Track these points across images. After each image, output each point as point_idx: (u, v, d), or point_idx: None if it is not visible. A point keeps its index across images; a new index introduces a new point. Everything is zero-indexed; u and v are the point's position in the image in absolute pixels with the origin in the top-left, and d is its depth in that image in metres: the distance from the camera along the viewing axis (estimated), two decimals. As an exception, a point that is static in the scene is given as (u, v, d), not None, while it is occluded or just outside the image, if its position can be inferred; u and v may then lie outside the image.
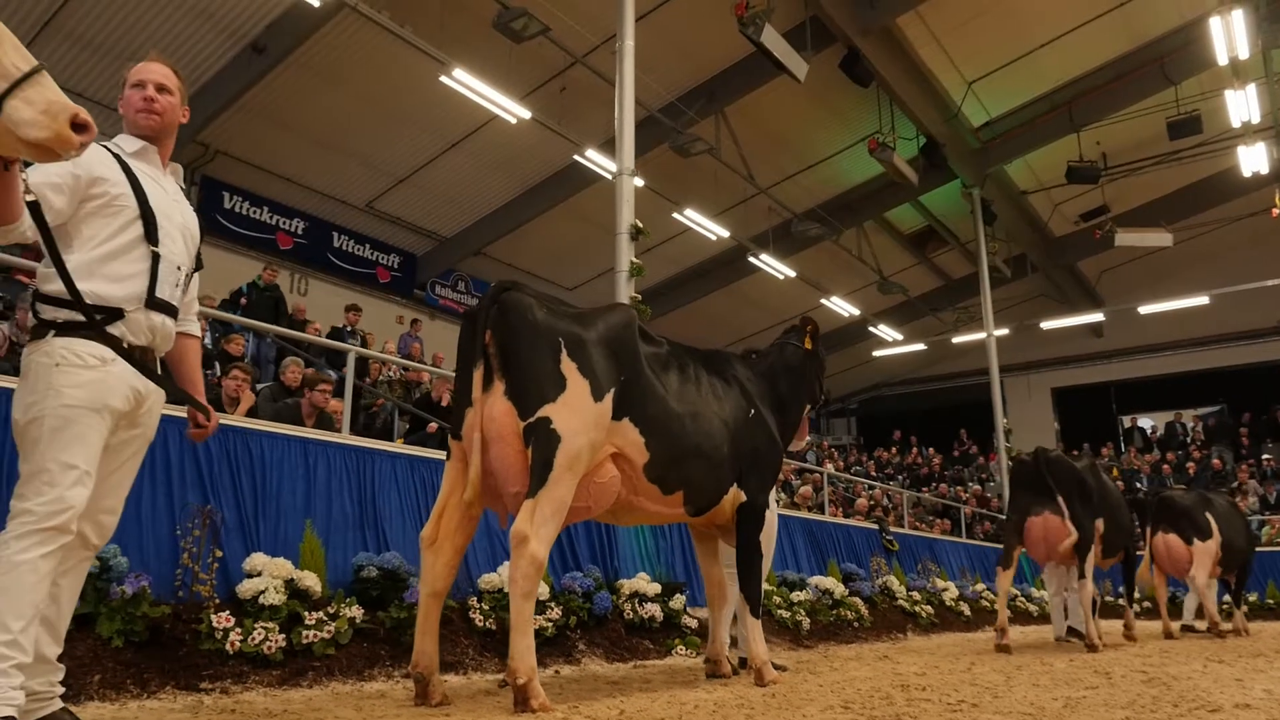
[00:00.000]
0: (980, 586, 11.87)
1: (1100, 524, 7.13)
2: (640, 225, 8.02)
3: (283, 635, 3.93)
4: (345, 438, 5.36)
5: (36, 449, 2.37)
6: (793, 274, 17.54)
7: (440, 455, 5.67)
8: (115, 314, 2.51)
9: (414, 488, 5.36)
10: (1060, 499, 6.76)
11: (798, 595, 7.85)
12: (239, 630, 3.81)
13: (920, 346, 22.71)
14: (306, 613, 4.10)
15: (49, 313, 2.48)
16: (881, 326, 21.33)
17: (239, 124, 13.46)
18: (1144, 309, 20.40)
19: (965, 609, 10.72)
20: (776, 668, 4.92)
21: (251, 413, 6.52)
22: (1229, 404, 22.05)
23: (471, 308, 3.63)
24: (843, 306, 19.52)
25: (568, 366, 3.45)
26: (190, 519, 4.07)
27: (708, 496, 4.06)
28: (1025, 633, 10.20)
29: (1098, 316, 22.04)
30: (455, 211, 16.69)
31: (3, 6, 11.03)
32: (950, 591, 10.72)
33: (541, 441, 3.30)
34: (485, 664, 4.65)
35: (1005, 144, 16.87)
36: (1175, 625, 9.16)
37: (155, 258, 2.62)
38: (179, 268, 2.71)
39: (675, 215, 15.17)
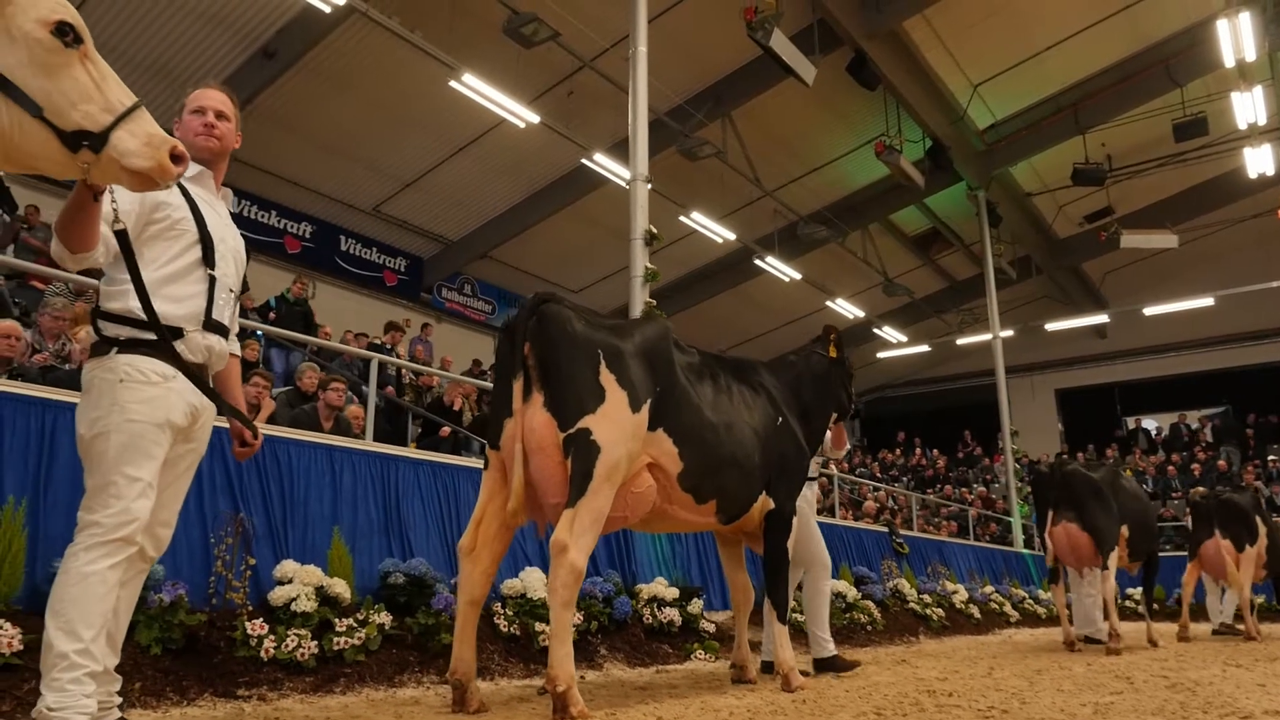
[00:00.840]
0: (989, 589, 11.89)
1: (1125, 530, 7.26)
2: (654, 230, 8.05)
3: (314, 642, 3.96)
4: (369, 445, 5.39)
5: (103, 462, 2.43)
6: (798, 276, 17.59)
7: (461, 461, 5.71)
8: (176, 333, 2.58)
9: (436, 494, 5.39)
10: (1079, 509, 6.88)
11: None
12: (272, 637, 3.84)
13: (924, 348, 22.76)
14: (337, 619, 4.13)
15: (112, 329, 2.55)
16: (886, 328, 21.37)
17: (248, 128, 13.23)
18: (1149, 310, 20.42)
19: (975, 611, 10.74)
20: (845, 665, 5.09)
21: (270, 419, 6.57)
22: (1234, 405, 22.08)
23: (510, 320, 3.66)
24: (847, 308, 19.58)
25: (606, 378, 3.48)
26: (223, 527, 4.10)
27: (739, 505, 4.12)
28: (1036, 635, 10.24)
29: (1102, 318, 22.08)
30: (462, 215, 16.74)
31: (14, 12, 11.09)
32: (960, 594, 10.75)
33: (581, 452, 3.34)
34: (511, 669, 4.69)
35: (1011, 146, 16.92)
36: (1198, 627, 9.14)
37: (212, 280, 2.70)
38: (230, 290, 2.79)
39: (682, 218, 15.20)
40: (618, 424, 3.43)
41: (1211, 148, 16.55)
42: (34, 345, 6.24)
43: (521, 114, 12.13)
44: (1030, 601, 12.73)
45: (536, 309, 3.51)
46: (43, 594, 3.46)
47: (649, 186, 13.37)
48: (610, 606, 5.71)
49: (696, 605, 6.38)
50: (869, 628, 8.35)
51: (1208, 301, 19.49)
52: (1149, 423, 23.58)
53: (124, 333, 2.53)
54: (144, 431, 2.47)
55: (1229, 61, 13.03)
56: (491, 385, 3.97)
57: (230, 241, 2.83)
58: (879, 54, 13.52)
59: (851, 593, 8.53)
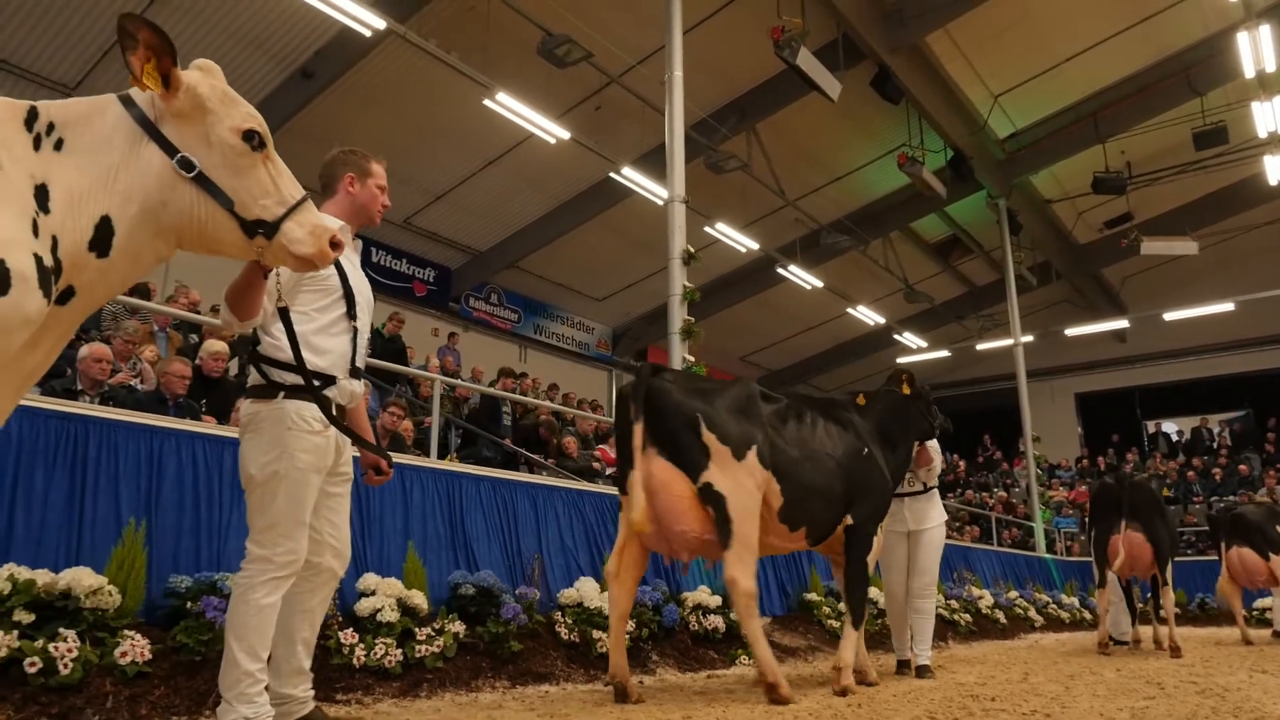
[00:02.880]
0: (1014, 594, 12.10)
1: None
2: (692, 250, 8.32)
3: (399, 650, 4.26)
4: (436, 462, 5.70)
5: (274, 504, 2.79)
6: (820, 284, 17.82)
7: (519, 477, 6.02)
8: (330, 380, 2.91)
9: (496, 509, 5.68)
10: (1141, 519, 7.37)
11: (844, 605, 8.12)
12: (362, 646, 4.14)
13: (944, 353, 22.94)
14: (417, 629, 4.43)
15: (276, 375, 2.88)
16: (906, 334, 21.57)
17: (285, 146, 13.70)
18: (1169, 315, 20.52)
19: (1001, 616, 10.96)
20: (924, 669, 5.61)
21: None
22: (1255, 409, 22.14)
23: (624, 389, 4.44)
24: (868, 315, 19.79)
25: (709, 437, 4.19)
26: (314, 543, 4.40)
27: (825, 528, 4.73)
28: (1062, 640, 10.45)
29: (1122, 323, 22.20)
30: (490, 226, 17.06)
31: (69, 35, 11.50)
32: (986, 600, 10.96)
33: (714, 503, 4.08)
34: (573, 674, 4.98)
35: (1031, 155, 17.10)
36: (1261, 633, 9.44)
37: (355, 332, 3.03)
38: (366, 337, 3.11)
39: (706, 229, 15.47)
40: (730, 472, 4.14)
41: (1231, 154, 16.67)
42: (109, 366, 6.58)
43: (553, 130, 12.44)
44: (1054, 606, 12.93)
45: (645, 382, 4.27)
46: (159, 608, 3.81)
47: (685, 207, 13.77)
48: (659, 614, 6.00)
49: (735, 614, 6.64)
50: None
51: (1228, 306, 19.59)
52: (1169, 427, 23.67)
53: (288, 379, 2.85)
54: (308, 479, 2.83)
55: (1249, 72, 13.21)
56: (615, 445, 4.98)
57: (365, 293, 3.17)
58: (901, 67, 13.76)
59: (882, 599, 8.76)
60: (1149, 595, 8.69)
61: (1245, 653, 7.78)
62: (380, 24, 10.40)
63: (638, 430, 4.17)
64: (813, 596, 8.10)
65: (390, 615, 4.34)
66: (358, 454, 3.27)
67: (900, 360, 23.47)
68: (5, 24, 11.22)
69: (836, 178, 17.17)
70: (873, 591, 8.79)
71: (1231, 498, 17.92)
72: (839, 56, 12.98)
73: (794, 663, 6.60)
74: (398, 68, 12.81)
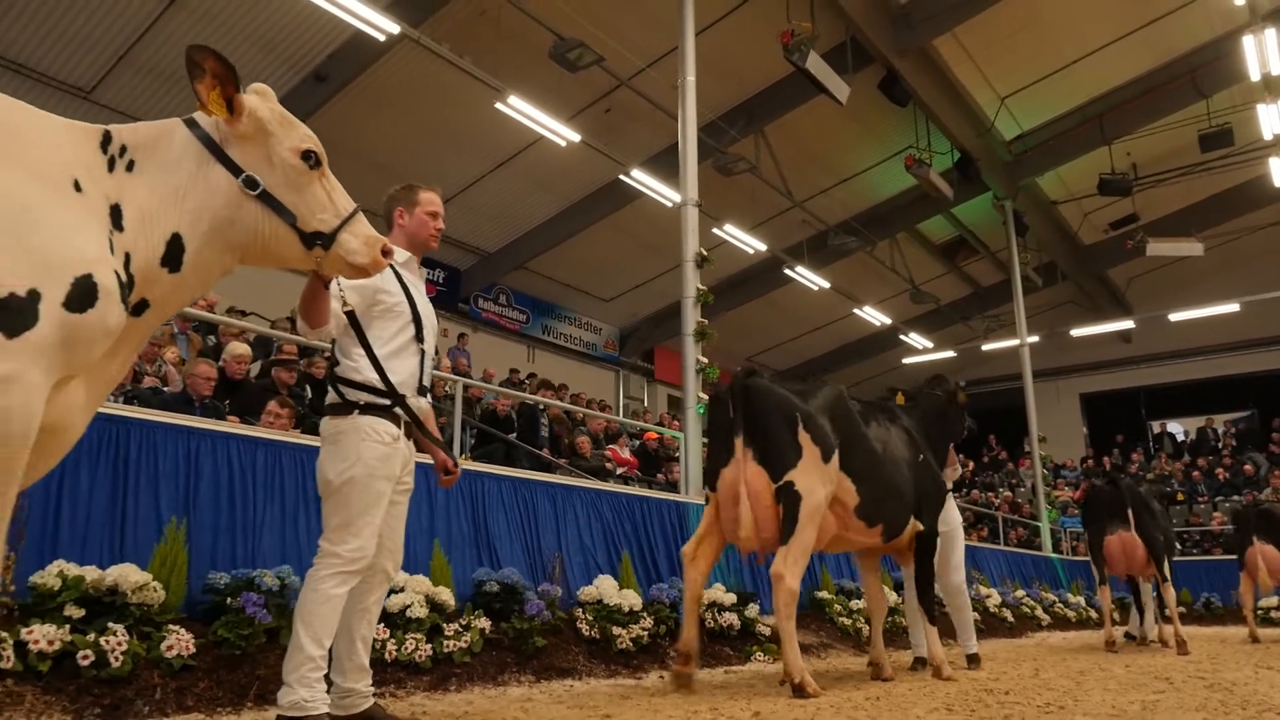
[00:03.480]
0: (1020, 593, 12.19)
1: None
2: (705, 253, 8.43)
3: (429, 645, 4.38)
4: (460, 462, 5.81)
5: (348, 506, 3.02)
6: (826, 285, 17.93)
7: (539, 477, 6.14)
8: (400, 399, 3.12)
9: (518, 508, 5.80)
10: (1132, 520, 7.67)
11: (856, 604, 8.24)
12: (393, 641, 4.26)
13: (950, 354, 23.03)
14: (445, 624, 4.55)
15: (351, 394, 3.14)
16: (912, 334, 21.66)
17: (297, 148, 13.99)
18: (1174, 316, 20.60)
19: (1008, 615, 11.05)
20: (975, 658, 6.10)
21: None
22: (1259, 409, 22.22)
23: (721, 390, 4.73)
24: (874, 316, 19.89)
25: (803, 437, 4.44)
26: (346, 541, 4.52)
27: (898, 528, 5.04)
28: (1068, 638, 10.55)
29: (1128, 324, 22.28)
30: (499, 227, 17.19)
31: (84, 40, 11.63)
32: (993, 598, 11.06)
33: (788, 500, 4.33)
34: (595, 669, 5.09)
35: (1037, 157, 17.19)
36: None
37: (422, 354, 3.30)
38: (431, 358, 3.35)
39: (714, 230, 15.58)
40: (814, 474, 4.40)
41: (1236, 156, 16.75)
42: (134, 368, 6.72)
43: (564, 134, 12.55)
44: (1060, 605, 13.02)
45: (744, 383, 4.52)
46: (199, 603, 3.93)
47: (698, 210, 13.87)
48: (676, 611, 6.10)
49: (753, 610, 6.77)
50: (908, 632, 8.69)
51: (1233, 307, 19.67)
52: (1174, 427, 23.74)
53: (362, 398, 3.11)
54: (378, 485, 3.07)
55: (1254, 75, 13.29)
56: (707, 441, 5.30)
57: (430, 317, 3.39)
58: (909, 70, 13.85)
59: (893, 597, 8.87)
60: (1155, 594, 8.86)
61: (1251, 650, 7.88)
62: (394, 29, 10.51)
63: (735, 433, 4.48)
64: (824, 595, 8.21)
65: (419, 611, 4.46)
66: (429, 460, 3.50)
67: (906, 361, 23.62)
68: (22, 28, 11.35)
69: (844, 179, 17.27)
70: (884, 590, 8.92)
71: (1236, 498, 18.00)
72: (847, 59, 13.09)
73: (808, 659, 6.70)
74: (410, 71, 12.93)
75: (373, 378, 3.05)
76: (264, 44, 12.24)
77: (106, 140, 2.16)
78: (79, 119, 2.29)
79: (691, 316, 8.19)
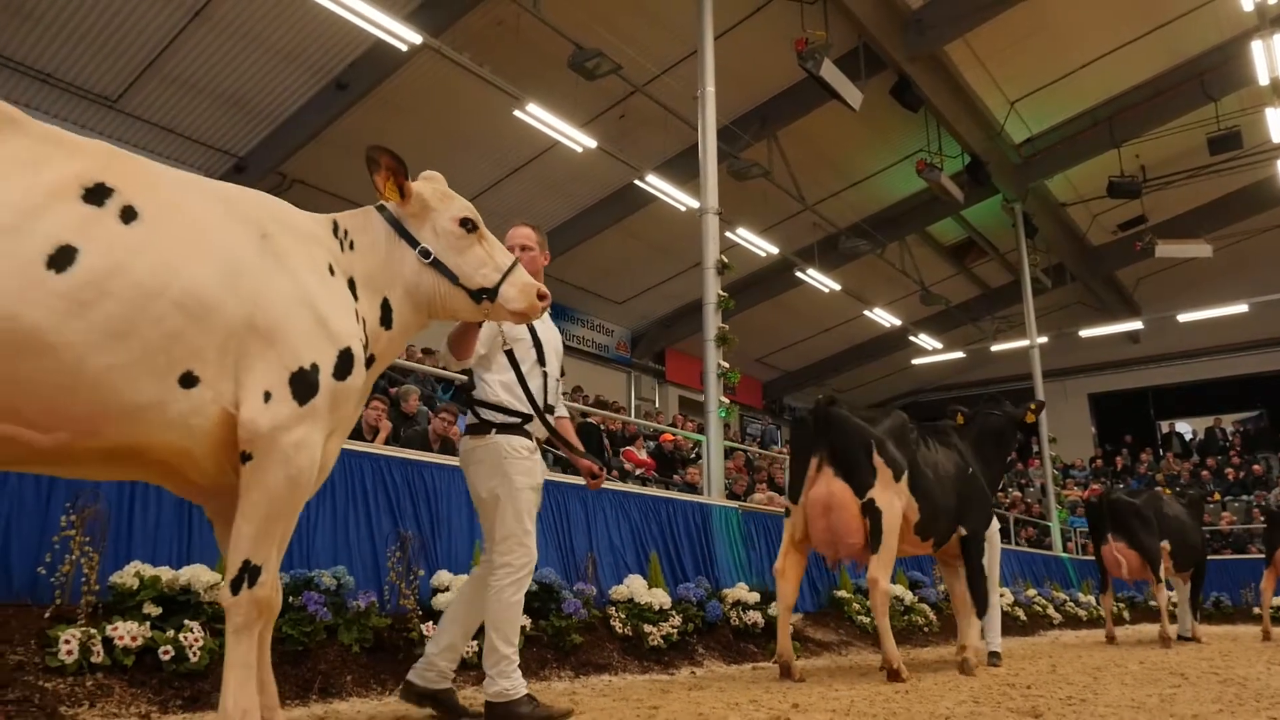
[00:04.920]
0: (1032, 592, 12.36)
1: (1166, 544, 8.49)
2: (726, 260, 8.62)
3: (474, 641, 4.57)
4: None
5: (505, 520, 3.39)
6: (838, 287, 18.10)
7: (570, 480, 6.34)
8: (528, 418, 3.50)
9: (550, 510, 5.99)
10: (1122, 531, 8.36)
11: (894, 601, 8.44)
12: (442, 637, 4.45)
13: (959, 354, 23.18)
14: (488, 622, 4.74)
15: (487, 414, 3.51)
16: (922, 335, 21.82)
17: (317, 154, 14.22)
18: (1182, 317, 20.73)
19: (1021, 614, 11.23)
20: (996, 655, 6.42)
21: (385, 440, 7.24)
22: (1268, 409, 22.33)
23: (803, 416, 5.47)
24: (884, 317, 20.05)
25: (877, 460, 5.09)
26: (395, 543, 4.73)
27: (943, 538, 5.72)
28: (1080, 636, 10.72)
29: (1136, 324, 22.41)
30: (513, 231, 17.37)
31: (110, 50, 11.86)
32: (1006, 597, 11.22)
33: (872, 515, 5.00)
34: (629, 665, 5.29)
35: (1046, 159, 17.35)
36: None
37: (545, 376, 3.62)
38: (556, 379, 3.72)
39: (727, 234, 15.75)
40: (889, 491, 5.06)
41: (1245, 158, 16.88)
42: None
43: (581, 140, 12.75)
44: (1071, 604, 13.19)
45: (824, 411, 5.19)
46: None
47: (692, 203, 14.02)
48: (703, 610, 6.31)
49: (775, 608, 6.94)
50: (925, 629, 8.89)
51: (1241, 308, 19.79)
52: (1182, 426, 23.84)
53: (498, 418, 3.48)
54: (525, 495, 3.43)
55: (1263, 80, 13.43)
56: (789, 460, 5.83)
57: (553, 341, 3.74)
58: (920, 75, 14.02)
59: (908, 596, 9.07)
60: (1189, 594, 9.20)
61: (1262, 647, 8.05)
62: (416, 39, 10.72)
63: (816, 454, 5.13)
64: (843, 594, 8.40)
65: (465, 609, 4.65)
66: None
67: (915, 361, 23.81)
68: (51, 39, 11.58)
69: (854, 182, 17.45)
70: (897, 590, 9.11)
71: (1246, 497, 18.13)
72: (860, 65, 13.26)
73: (830, 656, 6.91)
74: (428, 79, 13.13)
75: (505, 399, 3.47)
76: (286, 53, 12.46)
77: (335, 227, 2.69)
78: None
79: (713, 322, 8.39)
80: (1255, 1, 12.30)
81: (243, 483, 2.29)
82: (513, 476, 3.39)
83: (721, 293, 8.49)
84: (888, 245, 18.75)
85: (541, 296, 2.87)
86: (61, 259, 1.99)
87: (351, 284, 2.60)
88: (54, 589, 3.50)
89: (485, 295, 2.80)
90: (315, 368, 2.33)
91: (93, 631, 3.34)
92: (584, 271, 18.75)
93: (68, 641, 3.24)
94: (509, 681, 3.35)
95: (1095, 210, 19.55)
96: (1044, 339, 20.04)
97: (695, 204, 13.99)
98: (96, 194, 2.10)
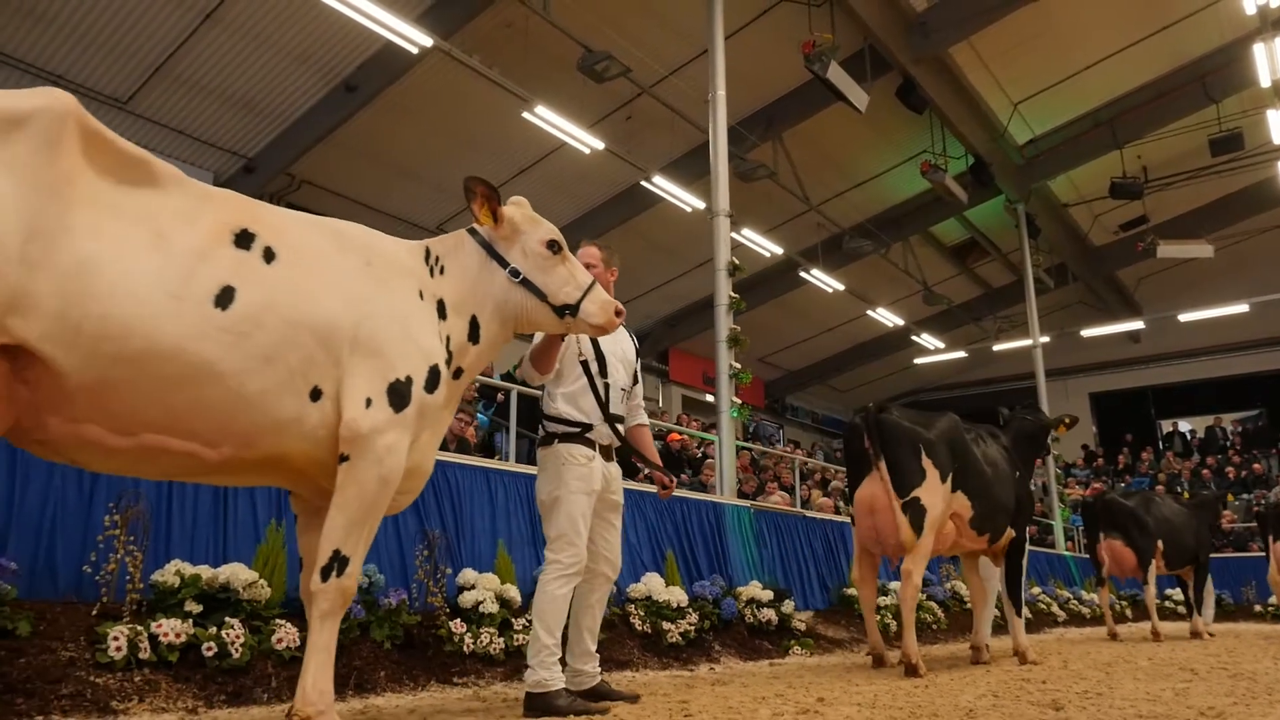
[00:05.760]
0: (1036, 590, 12.46)
1: (1160, 544, 8.80)
2: (737, 262, 8.71)
3: (500, 638, 4.67)
4: (516, 466, 6.11)
5: (559, 521, 3.64)
6: (841, 287, 18.20)
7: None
8: (589, 426, 3.76)
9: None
10: (1117, 530, 8.71)
11: (882, 600, 8.51)
12: (470, 635, 4.55)
13: (961, 354, 23.30)
14: (513, 619, 4.84)
15: (552, 426, 3.78)
16: (924, 335, 21.92)
17: (325, 156, 14.30)
18: (1183, 316, 20.85)
19: (1027, 611, 11.29)
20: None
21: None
22: (1267, 409, 22.45)
23: (854, 422, 5.71)
24: (887, 317, 20.15)
25: (926, 462, 5.36)
26: (424, 542, 4.82)
27: (1000, 534, 6.01)
28: (1085, 634, 10.83)
29: (1138, 324, 22.54)
30: (520, 232, 17.46)
31: (121, 52, 11.93)
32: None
33: (914, 512, 5.26)
34: (649, 661, 5.38)
35: (1049, 160, 17.47)
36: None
37: (607, 387, 3.85)
38: (621, 389, 3.94)
39: (732, 234, 15.80)
40: (934, 492, 5.34)
41: (1246, 159, 16.99)
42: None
43: (589, 141, 12.84)
44: (1075, 602, 13.29)
45: (876, 417, 5.45)
46: (292, 600, 4.21)
47: (698, 203, 14.11)
48: (719, 607, 6.40)
49: (788, 606, 7.05)
50: (934, 626, 8.99)
51: (1242, 308, 19.91)
52: (1185, 426, 23.96)
53: (560, 429, 3.75)
54: (580, 500, 3.67)
55: (1265, 82, 13.54)
56: (845, 466, 6.34)
57: (619, 353, 3.97)
58: (924, 77, 14.12)
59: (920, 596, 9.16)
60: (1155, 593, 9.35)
61: (1266, 644, 8.15)
62: (427, 42, 10.79)
63: (868, 457, 5.43)
64: (852, 592, 8.47)
65: (491, 607, 4.74)
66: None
67: (918, 361, 23.93)
68: (62, 42, 11.66)
69: (859, 183, 17.55)
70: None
71: (1246, 496, 18.25)
72: (865, 67, 13.36)
73: (842, 653, 7.01)
74: (437, 81, 13.21)
75: (566, 410, 3.75)
76: (297, 55, 12.53)
77: (428, 254, 3.00)
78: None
79: (725, 324, 8.47)
80: (1257, 4, 12.39)
81: (339, 480, 2.56)
82: (568, 481, 3.64)
83: (733, 294, 8.56)
84: (891, 245, 18.86)
85: (618, 312, 3.18)
86: (224, 298, 2.32)
87: (441, 305, 2.91)
88: (99, 587, 3.59)
89: (568, 311, 3.11)
90: (409, 380, 2.65)
91: (139, 628, 3.43)
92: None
93: (116, 638, 3.33)
94: (548, 673, 3.53)
95: (1097, 211, 19.66)
96: (1046, 338, 20.15)
97: (701, 204, 14.12)
98: (244, 239, 2.45)
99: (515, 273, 3.04)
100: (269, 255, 2.47)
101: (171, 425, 2.27)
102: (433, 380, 2.75)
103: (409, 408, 2.64)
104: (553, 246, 3.12)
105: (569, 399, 3.77)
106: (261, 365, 2.36)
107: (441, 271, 2.98)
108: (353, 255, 2.73)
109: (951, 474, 5.44)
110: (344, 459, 2.55)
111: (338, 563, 2.59)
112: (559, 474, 3.66)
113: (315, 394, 2.50)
